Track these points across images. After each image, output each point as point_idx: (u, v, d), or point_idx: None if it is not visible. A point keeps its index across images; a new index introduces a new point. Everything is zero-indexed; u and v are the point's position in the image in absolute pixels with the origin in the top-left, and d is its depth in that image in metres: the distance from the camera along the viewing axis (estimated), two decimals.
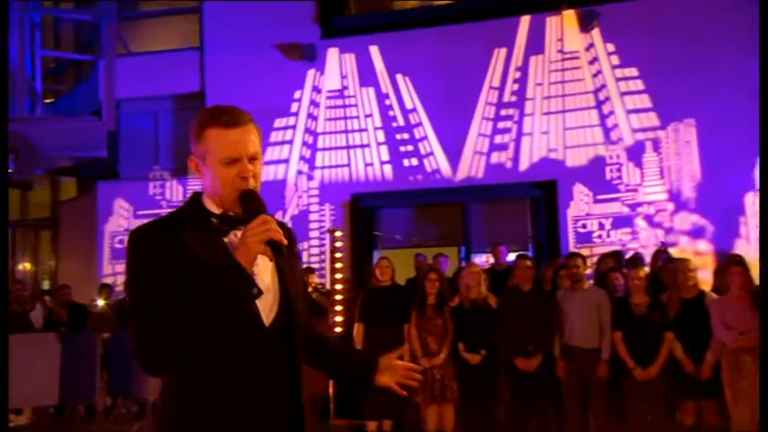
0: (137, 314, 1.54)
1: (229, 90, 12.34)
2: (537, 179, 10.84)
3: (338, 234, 7.08)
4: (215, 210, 1.70)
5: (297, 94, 12.29)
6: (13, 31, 11.62)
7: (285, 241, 1.59)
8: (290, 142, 12.25)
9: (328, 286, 8.00)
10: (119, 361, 7.96)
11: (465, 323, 6.26)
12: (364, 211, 11.67)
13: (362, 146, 11.73)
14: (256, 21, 12.27)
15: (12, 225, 14.35)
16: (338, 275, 6.98)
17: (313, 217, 11.89)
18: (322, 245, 11.58)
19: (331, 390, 7.01)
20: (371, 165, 11.73)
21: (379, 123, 11.81)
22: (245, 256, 1.55)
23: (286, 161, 12.21)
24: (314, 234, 11.73)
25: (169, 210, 2.21)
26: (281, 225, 1.70)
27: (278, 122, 12.26)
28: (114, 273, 11.86)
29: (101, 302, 9.83)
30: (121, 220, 12.49)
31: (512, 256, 8.26)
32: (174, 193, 12.63)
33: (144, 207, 12.38)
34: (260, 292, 1.57)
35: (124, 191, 12.75)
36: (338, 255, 6.99)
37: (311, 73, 12.27)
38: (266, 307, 1.66)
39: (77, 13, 13.57)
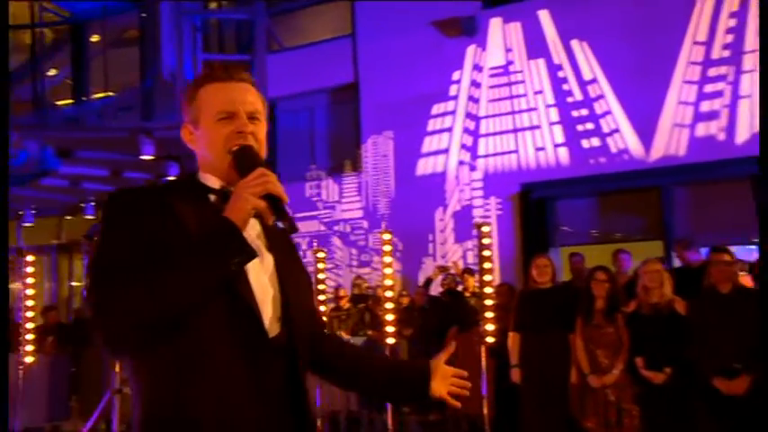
0: (99, 272, 1.36)
1: (384, 77, 12.04)
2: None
3: (485, 229, 6.29)
4: (214, 185, 1.54)
5: (456, 75, 11.59)
6: (171, 38, 12.22)
7: (286, 198, 1.42)
8: (450, 130, 11.59)
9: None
10: None
11: (644, 333, 5.28)
12: (537, 204, 10.66)
13: (532, 128, 10.73)
14: None
15: None
16: (487, 277, 6.20)
17: (477, 213, 11.10)
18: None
19: (486, 408, 6.22)
20: (543, 149, 10.68)
21: (551, 100, 10.71)
22: (238, 213, 1.37)
23: (445, 151, 11.57)
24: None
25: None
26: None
27: (436, 108, 11.68)
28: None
29: None
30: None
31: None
32: (331, 194, 12.58)
33: (301, 209, 12.41)
34: (252, 255, 1.39)
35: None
36: (487, 253, 6.20)
37: (471, 50, 11.51)
38: (267, 311, 1.48)
39: (232, 12, 14.05)
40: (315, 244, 10.22)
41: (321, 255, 7.42)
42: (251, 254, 1.39)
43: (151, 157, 10.77)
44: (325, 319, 7.23)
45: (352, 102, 12.53)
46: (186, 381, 1.38)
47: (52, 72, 16.06)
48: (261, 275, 1.50)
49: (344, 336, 8.32)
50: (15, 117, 15.26)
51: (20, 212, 14.73)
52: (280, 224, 1.43)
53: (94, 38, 15.35)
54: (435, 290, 8.90)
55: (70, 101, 15.57)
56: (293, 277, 1.58)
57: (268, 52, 12.87)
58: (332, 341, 1.77)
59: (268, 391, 1.44)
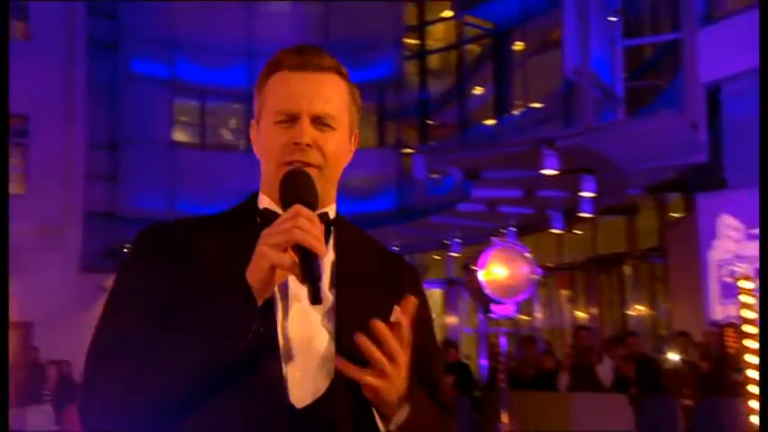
0: (96, 342, 1.28)
1: None
2: None
3: None
4: (268, 205, 1.39)
5: None
6: (575, 31, 11.02)
7: (323, 250, 1.20)
8: None
9: None
10: None
11: None
12: None
13: None
14: None
15: (618, 258, 13.78)
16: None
17: None
18: None
19: None
20: None
21: None
22: (254, 273, 1.20)
23: None
24: None
25: None
26: (389, 259, 1.49)
27: None
28: (728, 317, 9.67)
29: (674, 356, 8.57)
30: (730, 243, 10.45)
31: None
32: None
33: (757, 222, 9.73)
34: (257, 330, 1.22)
35: (731, 203, 10.60)
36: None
37: None
38: (306, 374, 1.31)
39: None
40: (739, 270, 7.47)
41: (747, 285, 5.51)
42: (256, 331, 1.21)
43: (554, 172, 9.72)
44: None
45: None
46: None
47: (477, 91, 16.58)
48: (307, 318, 1.34)
49: None
50: (438, 143, 16.14)
51: (445, 241, 15.24)
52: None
53: (517, 45, 15.37)
54: None
55: (492, 120, 15.80)
56: (366, 323, 1.25)
57: (703, 24, 11.00)
58: None
59: None
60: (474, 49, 16.46)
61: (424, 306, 1.41)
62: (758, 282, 5.07)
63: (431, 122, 16.64)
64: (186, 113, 16.60)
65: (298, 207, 1.22)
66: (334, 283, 1.36)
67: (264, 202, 1.39)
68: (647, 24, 13.26)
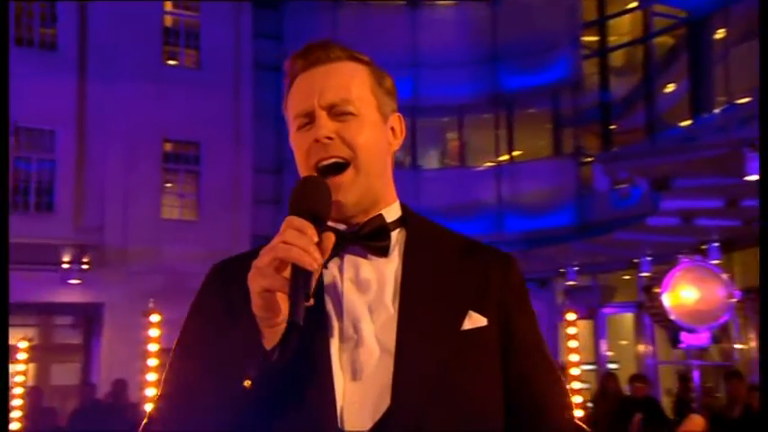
0: (160, 388, 1.31)
1: None
2: None
3: None
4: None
5: None
6: None
7: (310, 263, 1.11)
8: None
9: None
10: None
11: None
12: None
13: None
14: None
15: None
16: None
17: None
18: None
19: None
20: None
21: None
22: (253, 299, 1.14)
23: None
24: None
25: None
26: (484, 256, 1.39)
27: None
28: None
29: None
30: None
31: None
32: None
33: None
34: (264, 361, 1.15)
35: None
36: None
37: None
38: (363, 398, 1.23)
39: None
40: None
41: None
42: (252, 380, 1.15)
43: (757, 177, 8.52)
44: None
45: None
46: None
47: (669, 89, 15.48)
48: (365, 338, 1.29)
49: None
50: (622, 151, 15.12)
51: (634, 260, 14.34)
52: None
53: (718, 34, 14.19)
54: None
55: (688, 121, 14.60)
56: (428, 343, 1.25)
57: None
58: None
59: None
60: (665, 41, 15.47)
61: (520, 303, 1.37)
62: (759, 283, 3.92)
63: (613, 127, 15.96)
64: None
65: (289, 218, 1.17)
66: (398, 295, 1.29)
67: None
68: None
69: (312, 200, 1.20)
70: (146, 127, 13.75)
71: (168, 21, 14.83)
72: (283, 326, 1.15)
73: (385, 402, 1.22)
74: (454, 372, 1.26)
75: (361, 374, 1.25)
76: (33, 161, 13.60)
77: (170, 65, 14.82)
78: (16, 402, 8.57)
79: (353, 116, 1.30)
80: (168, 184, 14.57)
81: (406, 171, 16.12)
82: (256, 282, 1.13)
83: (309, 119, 1.30)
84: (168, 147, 14.46)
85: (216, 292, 1.33)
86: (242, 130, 14.70)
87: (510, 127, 16.67)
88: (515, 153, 16.74)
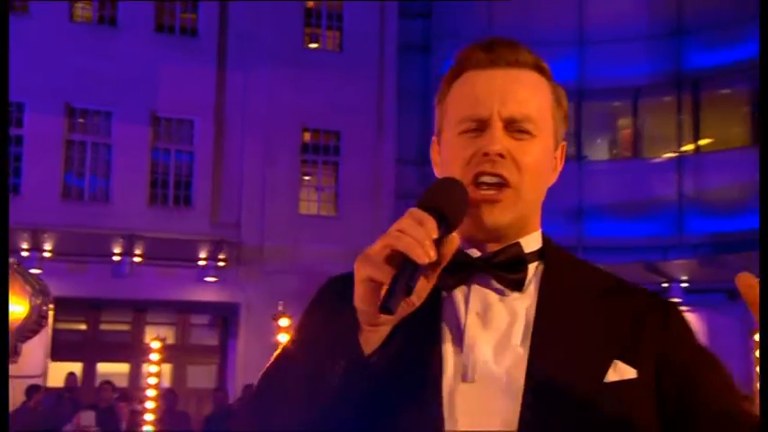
0: (257, 384, 1.38)
1: None
2: None
3: None
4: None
5: None
6: None
7: (422, 256, 1.12)
8: None
9: None
10: None
11: None
12: None
13: None
14: None
15: None
16: None
17: None
18: None
19: None
20: None
21: None
22: (356, 290, 1.18)
23: None
24: None
25: None
26: (647, 295, 1.39)
27: None
28: None
29: None
30: None
31: None
32: None
33: None
34: (343, 379, 1.20)
35: None
36: None
37: None
38: (485, 407, 1.27)
39: None
40: None
41: None
42: (342, 377, 1.20)
43: None
44: None
45: None
46: None
47: None
48: (484, 344, 1.32)
49: None
50: None
51: None
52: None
53: None
54: None
55: None
56: (566, 394, 1.28)
57: None
58: None
59: None
60: None
61: (694, 354, 1.36)
62: (759, 282, 3.24)
63: None
64: None
65: (411, 209, 1.22)
66: (529, 336, 1.31)
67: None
68: None
69: (444, 198, 1.22)
70: (284, 116, 14.30)
71: (310, 3, 15.23)
72: (387, 330, 1.18)
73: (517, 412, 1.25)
74: (589, 428, 1.27)
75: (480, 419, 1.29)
76: (172, 153, 14.35)
77: (311, 48, 15.29)
78: (149, 405, 9.08)
79: (530, 136, 1.33)
80: (306, 177, 15.03)
81: (569, 163, 15.64)
82: (362, 268, 1.17)
83: (480, 126, 1.32)
84: (307, 136, 14.91)
85: (327, 303, 1.40)
86: (385, 118, 15.01)
87: (696, 111, 16.47)
88: (702, 142, 16.41)
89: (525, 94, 1.35)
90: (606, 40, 15.88)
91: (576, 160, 15.93)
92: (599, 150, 17.35)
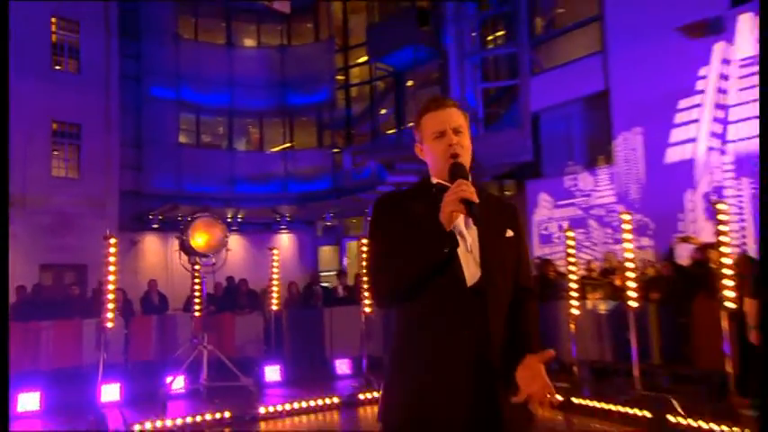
0: (371, 261, 1.57)
1: (632, 82, 10.89)
2: None
3: (721, 207, 5.35)
4: (440, 181, 1.64)
5: (702, 72, 9.92)
6: (456, 74, 12.45)
7: (476, 199, 1.47)
8: (697, 121, 9.94)
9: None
10: None
11: None
12: None
13: None
14: (657, 9, 10.34)
15: None
16: (725, 249, 5.34)
17: (729, 192, 9.33)
18: (741, 219, 8.97)
19: (729, 366, 5.38)
20: None
21: None
22: (444, 216, 1.48)
23: (693, 140, 10.00)
24: (736, 210, 9.20)
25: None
26: (502, 203, 1.67)
27: (682, 103, 10.12)
28: (543, 255, 11.57)
29: None
30: (544, 210, 12.38)
31: None
32: (587, 184, 11.72)
33: (561, 198, 11.83)
34: (450, 248, 1.48)
35: (546, 186, 12.49)
36: (723, 228, 5.31)
37: (718, 47, 9.78)
38: (470, 269, 1.55)
39: (501, 49, 13.83)
40: (564, 226, 9.55)
41: (571, 234, 6.94)
42: (450, 248, 1.49)
43: None
44: (575, 285, 6.73)
45: (604, 107, 11.60)
46: (418, 324, 1.56)
47: (383, 111, 17.67)
48: (468, 241, 1.59)
49: (595, 299, 7.70)
50: (358, 145, 16.78)
51: (365, 210, 15.74)
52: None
53: (409, 83, 16.51)
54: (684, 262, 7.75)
55: (394, 130, 16.45)
56: (493, 242, 1.60)
57: (532, 75, 12.63)
58: (520, 295, 1.67)
59: (467, 321, 1.52)
60: (381, 84, 17.04)
61: (521, 229, 1.69)
62: (759, 280, 4.81)
63: (353, 131, 17.25)
64: (187, 123, 16.40)
65: (460, 180, 1.52)
66: (477, 222, 1.55)
67: (436, 180, 1.65)
68: (494, 73, 14.81)
69: (465, 172, 1.56)
70: (41, 112, 12.65)
71: (54, 38, 13.51)
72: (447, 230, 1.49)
73: (478, 271, 1.57)
74: (509, 255, 1.63)
75: (472, 258, 1.56)
76: None
77: (57, 69, 13.41)
78: None
79: (462, 133, 1.62)
80: (56, 152, 13.36)
81: (224, 151, 15.87)
82: (449, 206, 1.46)
83: (441, 133, 1.59)
84: (56, 126, 13.20)
85: (391, 212, 1.59)
86: (111, 120, 13.76)
87: (291, 127, 16.91)
88: (294, 143, 16.92)
89: (456, 116, 1.62)
90: (246, 86, 15.75)
91: (227, 150, 15.98)
92: (242, 144, 16.93)
